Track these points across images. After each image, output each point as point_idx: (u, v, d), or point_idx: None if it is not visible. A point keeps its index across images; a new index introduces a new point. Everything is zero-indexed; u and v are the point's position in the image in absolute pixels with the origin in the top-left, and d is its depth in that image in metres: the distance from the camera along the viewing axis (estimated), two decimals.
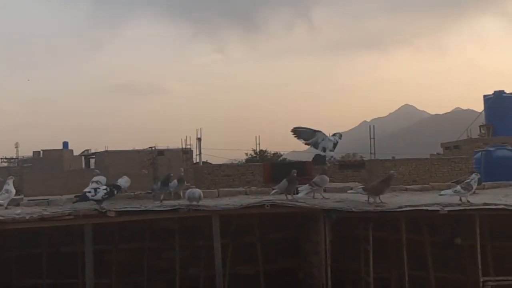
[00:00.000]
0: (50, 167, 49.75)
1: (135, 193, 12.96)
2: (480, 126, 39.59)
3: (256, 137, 45.94)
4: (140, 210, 11.16)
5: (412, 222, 12.10)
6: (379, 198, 11.58)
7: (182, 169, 14.36)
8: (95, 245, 11.49)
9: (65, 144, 61.49)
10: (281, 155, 55.57)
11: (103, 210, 10.87)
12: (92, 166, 52.80)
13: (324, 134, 12.84)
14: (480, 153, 25.29)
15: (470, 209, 11.37)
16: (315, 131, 12.77)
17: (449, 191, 11.74)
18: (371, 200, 11.55)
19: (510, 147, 25.97)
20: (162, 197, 12.04)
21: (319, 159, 13.06)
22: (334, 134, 12.95)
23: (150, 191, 12.86)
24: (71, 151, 60.29)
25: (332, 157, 12.83)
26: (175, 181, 12.34)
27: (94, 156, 52.77)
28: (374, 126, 39.12)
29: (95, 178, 12.53)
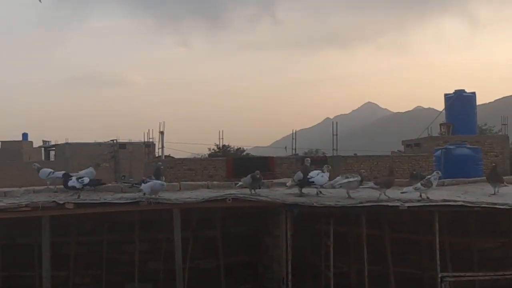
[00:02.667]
0: (8, 158, 48.79)
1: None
2: (440, 125, 40.15)
3: (219, 131, 45.79)
4: (99, 203, 11.00)
5: (373, 218, 12.18)
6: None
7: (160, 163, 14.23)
8: (53, 237, 11.27)
9: (25, 135, 60.31)
10: (244, 150, 55.57)
11: (61, 202, 10.68)
12: (52, 158, 51.99)
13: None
14: (440, 151, 25.68)
15: (430, 205, 11.50)
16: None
17: (410, 189, 11.83)
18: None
19: (469, 145, 26.44)
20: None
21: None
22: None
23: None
24: (31, 142, 59.20)
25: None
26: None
27: (54, 148, 51.95)
28: (337, 123, 39.33)
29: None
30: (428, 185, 11.62)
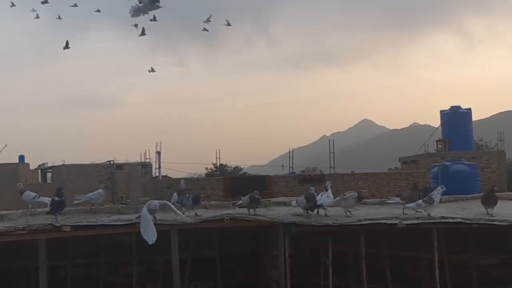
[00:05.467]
0: (5, 181, 48.58)
1: (92, 207, 12.73)
2: (437, 141, 40.19)
3: (216, 151, 45.77)
4: (96, 225, 10.95)
5: (371, 236, 12.15)
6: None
7: (183, 181, 14.25)
8: (50, 260, 11.20)
9: (21, 157, 60.13)
10: (241, 169, 55.50)
11: (58, 225, 10.63)
12: (49, 180, 51.82)
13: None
14: (437, 167, 25.66)
15: (428, 223, 11.49)
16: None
17: (413, 205, 11.86)
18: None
19: (466, 162, 26.43)
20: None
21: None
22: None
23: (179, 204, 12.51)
24: (27, 164, 59.00)
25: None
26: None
27: (51, 170, 51.78)
28: (333, 140, 39.34)
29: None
30: (429, 201, 11.62)
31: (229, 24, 22.00)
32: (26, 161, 59.71)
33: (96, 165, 43.70)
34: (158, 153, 39.03)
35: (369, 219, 11.54)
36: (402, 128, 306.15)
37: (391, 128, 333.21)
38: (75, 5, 23.13)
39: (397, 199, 12.79)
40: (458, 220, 11.56)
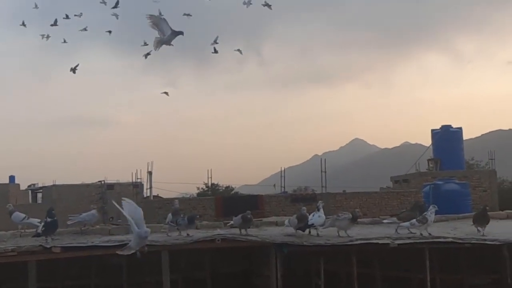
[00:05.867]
0: None
1: (82, 228, 12.64)
2: (428, 160, 40.25)
3: (208, 170, 45.59)
4: (87, 246, 10.87)
5: (363, 256, 12.10)
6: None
7: (177, 201, 14.23)
8: (40, 282, 11.09)
9: (12, 178, 59.86)
10: (233, 189, 55.31)
11: (48, 246, 10.54)
12: (40, 200, 51.52)
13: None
14: (428, 186, 25.69)
15: (420, 242, 11.47)
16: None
17: (407, 224, 11.87)
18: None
19: (457, 181, 26.48)
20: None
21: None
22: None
23: (173, 224, 12.43)
24: (18, 185, 58.71)
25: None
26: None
27: (41, 191, 51.50)
28: (325, 159, 39.37)
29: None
30: (423, 221, 11.62)
31: (240, 52, 22.00)
32: (16, 181, 59.41)
33: (87, 185, 43.53)
34: (150, 173, 38.87)
35: (361, 239, 11.51)
36: (393, 147, 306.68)
37: (383, 147, 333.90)
38: (85, 29, 23.07)
39: (394, 219, 12.76)
40: (450, 239, 11.55)
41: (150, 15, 10.82)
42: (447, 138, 36.98)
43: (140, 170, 41.35)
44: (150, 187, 39.25)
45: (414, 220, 11.80)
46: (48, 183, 50.26)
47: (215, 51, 20.86)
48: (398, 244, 11.36)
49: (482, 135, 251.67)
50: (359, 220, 14.60)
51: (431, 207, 12.12)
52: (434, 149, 38.47)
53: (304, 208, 12.27)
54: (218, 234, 11.63)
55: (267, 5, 20.65)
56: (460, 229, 12.91)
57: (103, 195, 38.02)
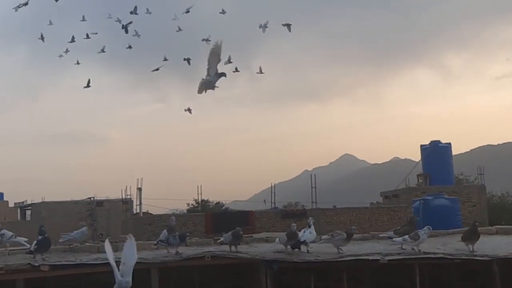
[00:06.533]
0: None
1: (71, 245, 12.55)
2: (417, 175, 40.31)
3: (198, 186, 45.51)
4: (75, 264, 10.77)
5: (354, 272, 12.08)
6: None
7: (173, 218, 14.13)
8: None
9: (0, 195, 59.50)
10: (223, 205, 55.19)
11: (37, 264, 10.45)
12: (28, 217, 51.18)
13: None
14: (418, 201, 25.68)
15: (410, 258, 11.46)
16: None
17: (399, 240, 11.89)
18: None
19: (447, 196, 26.51)
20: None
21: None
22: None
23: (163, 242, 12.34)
24: (6, 202, 58.32)
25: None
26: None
27: (30, 208, 51.16)
28: (315, 175, 39.37)
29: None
30: (415, 238, 11.62)
31: (207, 40, 22.01)
32: (5, 198, 59.04)
33: (76, 202, 43.30)
34: (139, 189, 38.71)
35: (351, 255, 11.49)
36: (383, 163, 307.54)
37: (372, 162, 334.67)
38: (103, 50, 23.25)
39: (391, 233, 12.77)
40: (440, 255, 11.55)
41: (219, 46, 10.68)
42: (436, 153, 37.10)
43: (130, 186, 41.21)
44: (140, 204, 39.10)
45: (407, 236, 11.82)
46: (37, 200, 49.98)
47: (236, 70, 20.98)
48: (389, 260, 11.35)
49: (471, 150, 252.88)
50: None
51: (425, 228, 12.10)
52: (423, 164, 38.57)
53: (294, 225, 12.26)
54: (207, 251, 11.57)
55: (287, 25, 20.89)
56: (450, 245, 12.92)
57: (93, 212, 37.81)
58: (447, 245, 12.95)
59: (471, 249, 11.87)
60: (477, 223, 12.93)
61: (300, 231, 12.30)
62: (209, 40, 20.89)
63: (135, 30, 22.26)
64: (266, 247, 12.84)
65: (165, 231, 12.49)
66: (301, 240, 12.00)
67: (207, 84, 10.82)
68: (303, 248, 12.07)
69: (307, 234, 12.16)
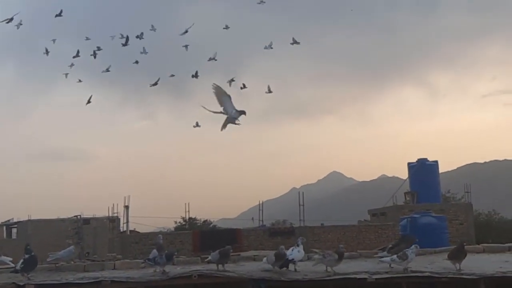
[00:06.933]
0: None
1: (57, 264, 12.44)
2: (405, 193, 40.48)
3: (185, 204, 45.32)
4: (60, 283, 10.68)
5: None
6: None
7: (161, 236, 14.07)
8: None
9: None
10: (211, 222, 55.03)
11: (21, 284, 10.34)
12: (14, 236, 50.73)
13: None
14: (405, 219, 25.76)
15: (397, 277, 11.45)
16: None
17: (387, 259, 11.89)
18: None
19: (434, 214, 26.61)
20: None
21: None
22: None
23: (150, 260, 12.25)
24: None
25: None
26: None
27: (16, 226, 50.74)
28: (303, 192, 39.41)
29: None
30: (403, 257, 11.63)
31: (245, 87, 22.38)
32: None
33: (63, 220, 43.02)
34: (126, 207, 38.53)
35: (339, 274, 11.46)
36: (370, 180, 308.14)
37: (360, 180, 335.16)
38: (108, 70, 23.39)
39: (385, 253, 12.81)
40: (427, 274, 11.54)
41: (217, 86, 11.09)
42: (423, 171, 37.31)
43: (117, 204, 40.96)
44: (127, 222, 38.89)
45: (395, 255, 11.83)
46: (23, 218, 49.58)
47: (244, 87, 21.24)
48: (376, 278, 11.33)
49: (458, 168, 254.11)
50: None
51: (413, 246, 12.11)
52: (410, 182, 38.74)
53: (283, 247, 12.21)
54: (195, 270, 11.50)
55: (295, 42, 21.22)
56: (437, 263, 12.91)
57: (79, 230, 37.54)
58: (434, 263, 12.95)
59: (458, 268, 11.87)
60: (465, 243, 12.94)
61: (288, 249, 12.29)
62: (216, 59, 21.25)
63: (143, 47, 22.53)
64: (253, 265, 12.78)
65: (154, 250, 12.43)
66: (289, 258, 11.97)
67: (231, 121, 11.19)
68: (291, 266, 12.03)
69: (295, 252, 12.14)
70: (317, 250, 13.08)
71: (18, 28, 21.83)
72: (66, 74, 23.91)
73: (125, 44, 22.17)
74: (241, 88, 22.08)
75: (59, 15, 22.25)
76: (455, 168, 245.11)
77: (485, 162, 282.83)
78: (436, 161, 38.66)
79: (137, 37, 22.64)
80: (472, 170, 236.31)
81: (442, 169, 40.70)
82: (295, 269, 11.95)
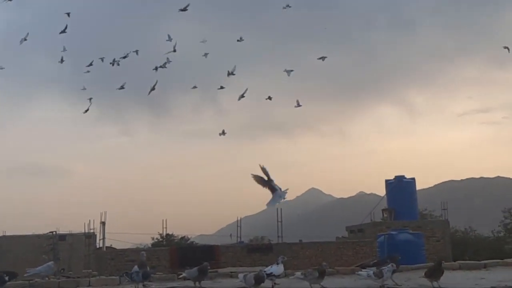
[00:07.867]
0: None
1: (30, 281, 12.26)
2: (382, 210, 40.61)
3: (163, 220, 44.99)
4: None
5: None
6: None
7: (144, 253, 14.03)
8: None
9: None
10: (189, 239, 54.69)
11: None
12: None
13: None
14: (383, 236, 25.82)
15: None
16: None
17: (364, 274, 11.97)
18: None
19: (411, 231, 26.71)
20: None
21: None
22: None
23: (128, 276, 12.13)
24: None
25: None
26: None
27: None
28: (281, 209, 39.30)
29: None
30: (379, 275, 11.70)
31: (233, 74, 22.17)
32: None
33: (38, 236, 42.46)
34: (103, 223, 38.18)
35: None
36: (348, 197, 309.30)
37: (338, 196, 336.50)
38: (122, 87, 23.19)
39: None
40: None
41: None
42: (401, 188, 37.49)
43: (93, 220, 40.51)
44: (103, 238, 38.51)
45: (371, 272, 11.88)
46: None
47: (232, 74, 21.22)
48: None
49: (435, 185, 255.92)
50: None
51: (389, 265, 12.15)
52: (388, 199, 38.88)
53: (265, 270, 12.16)
54: (171, 287, 11.42)
55: (322, 57, 22.06)
56: (413, 280, 12.97)
57: (55, 246, 37.07)
58: (410, 280, 13.01)
59: (436, 286, 11.89)
60: (443, 261, 12.96)
61: (267, 266, 12.34)
62: (234, 74, 21.39)
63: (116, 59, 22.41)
64: (230, 283, 12.73)
65: (136, 266, 12.37)
66: (268, 272, 11.94)
67: (277, 200, 12.22)
68: (269, 283, 11.99)
69: (275, 267, 12.15)
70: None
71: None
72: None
73: (113, 63, 22.09)
74: (228, 74, 21.95)
75: (64, 31, 21.97)
76: (432, 185, 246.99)
77: (461, 180, 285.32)
78: (413, 178, 38.88)
79: (121, 58, 22.55)
80: (449, 188, 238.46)
81: (419, 186, 40.92)
82: (274, 284, 11.91)
